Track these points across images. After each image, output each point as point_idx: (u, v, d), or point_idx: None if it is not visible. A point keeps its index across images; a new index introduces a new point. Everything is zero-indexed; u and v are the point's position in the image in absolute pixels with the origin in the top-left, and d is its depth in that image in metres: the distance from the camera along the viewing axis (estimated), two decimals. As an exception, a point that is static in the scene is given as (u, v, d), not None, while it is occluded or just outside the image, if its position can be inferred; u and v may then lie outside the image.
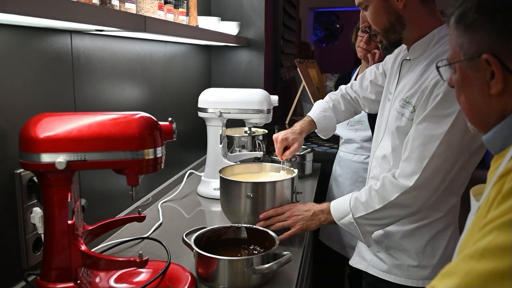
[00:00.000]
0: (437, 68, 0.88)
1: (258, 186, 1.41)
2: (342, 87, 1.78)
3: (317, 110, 1.69)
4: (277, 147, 1.57)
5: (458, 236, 1.34)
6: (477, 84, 0.76)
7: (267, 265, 1.12)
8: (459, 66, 0.80)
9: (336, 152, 2.43)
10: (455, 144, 1.18)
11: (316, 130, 1.68)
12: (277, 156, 1.59)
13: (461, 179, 1.30)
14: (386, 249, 1.39)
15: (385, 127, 1.39)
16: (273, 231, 1.27)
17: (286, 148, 1.57)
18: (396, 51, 1.45)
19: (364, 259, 1.47)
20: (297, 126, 1.64)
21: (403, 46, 1.40)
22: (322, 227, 2.28)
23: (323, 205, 1.39)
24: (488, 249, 0.58)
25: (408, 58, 1.35)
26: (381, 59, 2.03)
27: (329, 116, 1.67)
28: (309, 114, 1.69)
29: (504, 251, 0.56)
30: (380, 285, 1.41)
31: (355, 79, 2.22)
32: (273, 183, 1.42)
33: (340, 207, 1.34)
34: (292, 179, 1.46)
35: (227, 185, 1.46)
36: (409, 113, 1.26)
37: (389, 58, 1.55)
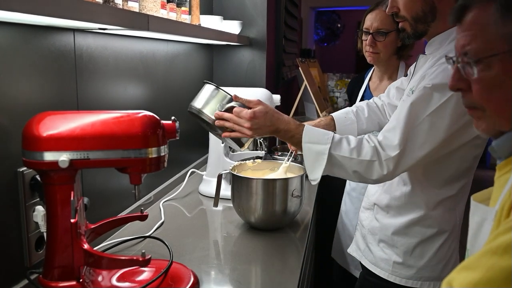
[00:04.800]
0: (463, 64, 0.77)
1: (269, 183, 1.44)
2: (370, 99, 1.76)
3: (339, 111, 1.68)
4: None
5: (451, 244, 1.35)
6: None
7: None
8: (500, 58, 0.72)
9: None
10: (441, 128, 1.15)
11: None
12: (278, 156, 1.58)
13: (460, 182, 1.30)
14: (378, 241, 1.41)
15: None
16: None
17: None
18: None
19: (359, 248, 1.51)
20: (316, 120, 1.64)
21: None
22: (335, 245, 2.21)
23: (291, 125, 1.26)
24: None
25: (425, 53, 1.35)
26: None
27: (350, 118, 1.63)
28: (331, 114, 1.68)
29: None
30: (368, 277, 1.45)
31: (368, 83, 2.21)
32: (285, 179, 1.46)
33: (318, 134, 1.24)
34: (302, 176, 1.50)
35: (239, 183, 1.48)
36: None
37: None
